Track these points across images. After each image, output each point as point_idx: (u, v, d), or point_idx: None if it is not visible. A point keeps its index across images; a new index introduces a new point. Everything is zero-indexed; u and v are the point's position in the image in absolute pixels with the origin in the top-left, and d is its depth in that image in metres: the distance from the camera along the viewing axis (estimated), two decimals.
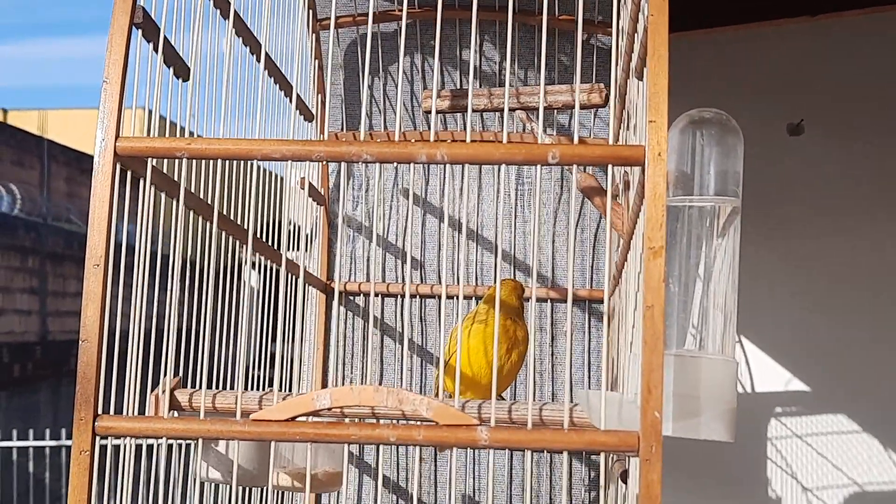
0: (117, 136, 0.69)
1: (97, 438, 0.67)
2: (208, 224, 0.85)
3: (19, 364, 7.73)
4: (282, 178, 1.26)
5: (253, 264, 0.89)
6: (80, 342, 0.67)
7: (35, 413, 7.67)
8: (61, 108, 10.76)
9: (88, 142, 9.20)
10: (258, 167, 0.87)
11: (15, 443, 5.91)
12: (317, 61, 1.29)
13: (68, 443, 5.91)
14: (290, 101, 1.14)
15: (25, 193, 7.96)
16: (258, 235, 1.05)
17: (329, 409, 0.68)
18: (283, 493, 1.21)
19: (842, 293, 2.18)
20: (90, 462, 0.67)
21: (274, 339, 1.14)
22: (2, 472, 5.88)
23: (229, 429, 0.67)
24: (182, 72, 0.81)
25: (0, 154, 7.88)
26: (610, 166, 0.69)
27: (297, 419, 0.68)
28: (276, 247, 1.13)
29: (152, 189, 0.75)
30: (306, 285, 1.27)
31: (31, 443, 5.92)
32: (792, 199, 2.15)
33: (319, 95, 1.31)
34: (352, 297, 1.35)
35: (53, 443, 5.96)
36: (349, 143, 0.69)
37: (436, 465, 1.32)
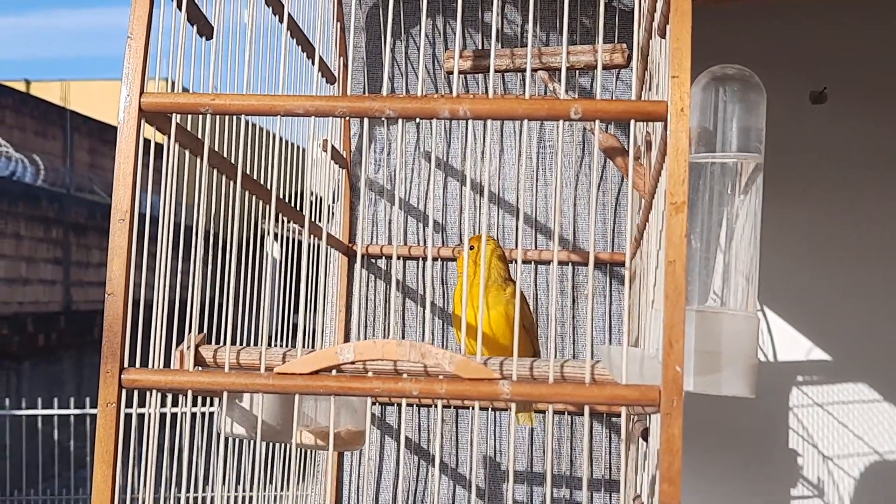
0: (142, 92, 0.70)
1: (123, 391, 0.68)
2: (232, 183, 0.85)
3: (43, 334, 7.81)
4: (303, 150, 1.26)
5: (275, 235, 0.90)
6: (106, 296, 0.68)
7: (59, 382, 7.75)
8: (84, 79, 10.79)
9: (111, 112, 9.24)
10: (280, 139, 0.87)
11: (40, 411, 5.97)
12: (339, 24, 1.29)
13: (92, 411, 5.97)
14: (313, 63, 1.14)
15: (49, 164, 8.01)
16: (280, 200, 1.06)
17: (352, 362, 0.68)
18: (305, 450, 1.22)
19: (863, 262, 2.17)
20: (116, 414, 0.68)
21: (296, 310, 1.15)
22: (27, 440, 5.95)
23: (254, 382, 0.68)
24: (205, 30, 0.81)
25: (23, 125, 7.92)
26: (632, 122, 0.69)
27: (321, 373, 0.68)
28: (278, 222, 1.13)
29: (176, 146, 0.76)
30: (328, 247, 1.28)
31: (55, 411, 5.98)
32: (814, 168, 2.14)
33: (341, 58, 1.31)
34: (374, 260, 1.35)
35: (78, 411, 6.01)
36: (372, 99, 0.69)
37: (457, 427, 1.33)
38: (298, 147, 1.29)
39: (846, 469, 2.22)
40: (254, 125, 0.94)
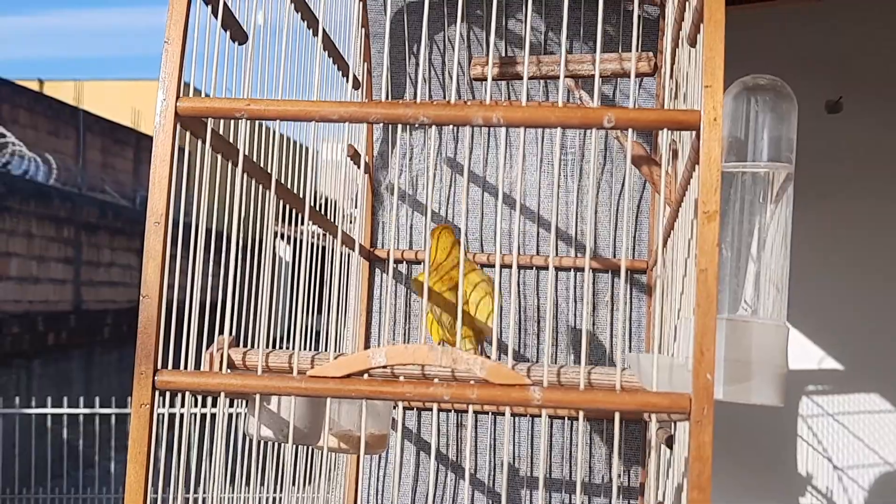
0: (178, 97, 0.70)
1: (157, 392, 0.69)
2: (261, 187, 0.86)
3: (53, 332, 7.83)
4: (316, 151, 1.26)
5: (288, 239, 0.90)
6: (141, 298, 0.68)
7: (69, 381, 7.77)
8: (97, 79, 10.84)
9: (124, 113, 9.28)
10: (313, 151, 0.88)
11: (49, 409, 5.99)
12: (363, 30, 1.30)
13: (101, 410, 5.99)
14: (340, 70, 1.15)
15: (61, 163, 8.04)
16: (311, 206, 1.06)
17: (384, 366, 0.69)
18: (321, 454, 1.23)
19: (877, 273, 2.17)
20: (150, 415, 0.68)
21: (318, 312, 1.15)
22: (36, 439, 5.96)
23: (286, 385, 0.68)
24: (238, 35, 0.81)
25: (36, 124, 7.94)
26: (665, 130, 0.70)
27: (352, 376, 0.69)
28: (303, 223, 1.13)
29: (210, 152, 0.76)
30: (351, 254, 1.28)
31: (64, 410, 6.00)
32: (829, 178, 2.13)
33: (366, 64, 1.31)
34: (395, 265, 1.36)
35: (87, 410, 6.03)
36: (406, 106, 0.70)
37: (476, 433, 1.33)
38: (309, 150, 1.30)
39: (857, 480, 2.22)
40: (270, 129, 0.95)
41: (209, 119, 0.74)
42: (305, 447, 1.16)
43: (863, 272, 2.18)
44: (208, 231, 0.78)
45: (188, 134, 0.75)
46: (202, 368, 0.81)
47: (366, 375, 0.70)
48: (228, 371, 0.81)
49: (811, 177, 2.08)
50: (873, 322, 2.19)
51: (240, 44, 0.82)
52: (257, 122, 0.90)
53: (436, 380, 0.75)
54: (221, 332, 0.81)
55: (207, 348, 0.81)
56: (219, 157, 0.80)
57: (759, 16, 2.09)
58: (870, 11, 2.10)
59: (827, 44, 2.14)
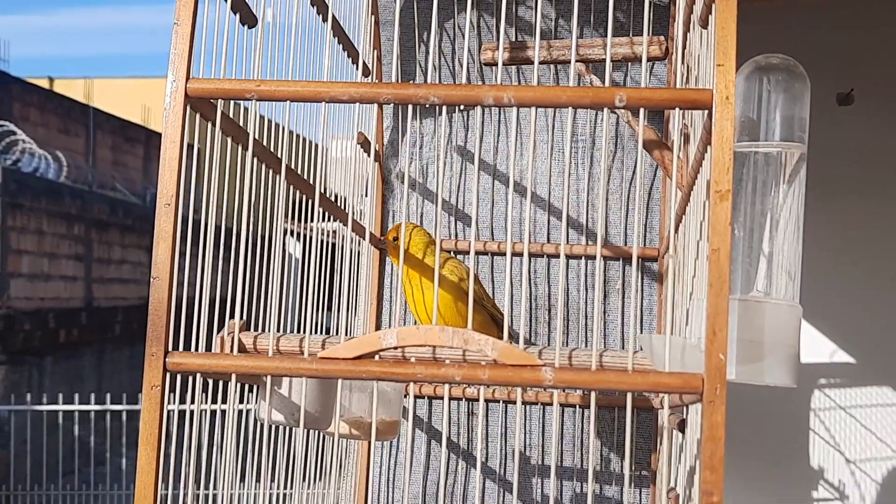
0: (188, 78, 0.70)
1: (167, 374, 0.69)
2: (272, 172, 0.86)
3: (65, 329, 7.85)
4: (325, 148, 1.26)
5: (298, 236, 0.90)
6: (152, 279, 0.68)
7: (80, 378, 7.80)
8: (107, 76, 10.87)
9: (134, 110, 9.30)
10: (318, 147, 0.88)
11: (60, 406, 6.02)
12: (373, 16, 1.29)
13: (113, 407, 6.02)
14: (350, 57, 1.15)
15: (71, 161, 8.06)
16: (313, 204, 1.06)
17: (395, 347, 0.68)
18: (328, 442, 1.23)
19: (888, 264, 2.16)
20: (161, 397, 0.68)
21: (328, 309, 1.16)
22: (48, 436, 5.99)
23: (297, 366, 0.68)
24: (248, 19, 0.81)
25: (47, 122, 7.97)
26: (677, 112, 0.69)
27: (363, 358, 0.69)
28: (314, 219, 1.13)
29: (220, 134, 0.76)
30: (360, 240, 1.28)
31: (76, 406, 6.03)
32: (840, 171, 2.12)
33: (375, 51, 1.31)
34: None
35: (98, 407, 6.06)
36: (416, 86, 0.69)
37: (487, 420, 1.33)
38: (314, 143, 1.30)
39: (869, 473, 2.21)
40: (280, 127, 0.94)
41: (219, 101, 0.74)
42: (316, 438, 1.16)
43: (874, 265, 2.17)
44: (217, 228, 0.78)
45: (197, 126, 0.75)
46: (214, 351, 0.80)
47: (377, 357, 0.69)
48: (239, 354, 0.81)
49: (821, 175, 2.07)
50: (885, 314, 2.18)
51: (249, 27, 0.82)
52: (266, 119, 0.91)
53: (447, 361, 0.75)
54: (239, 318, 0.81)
55: (218, 333, 0.81)
56: (229, 140, 0.80)
57: (769, 10, 2.09)
58: (881, 7, 2.09)
59: (837, 39, 2.13)
